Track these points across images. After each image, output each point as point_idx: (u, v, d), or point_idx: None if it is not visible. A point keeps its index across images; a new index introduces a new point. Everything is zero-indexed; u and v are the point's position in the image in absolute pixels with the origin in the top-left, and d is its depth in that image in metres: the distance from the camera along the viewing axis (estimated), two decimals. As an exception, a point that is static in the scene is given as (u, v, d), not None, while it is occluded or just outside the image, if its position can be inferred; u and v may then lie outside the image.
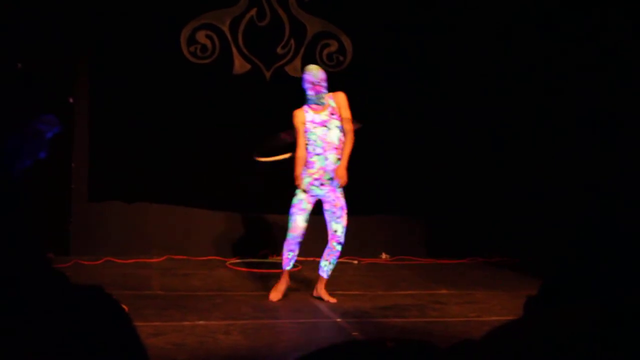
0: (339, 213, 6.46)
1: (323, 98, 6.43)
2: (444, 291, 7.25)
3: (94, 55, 8.75)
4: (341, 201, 6.46)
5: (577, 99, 8.51)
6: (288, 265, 6.58)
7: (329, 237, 6.56)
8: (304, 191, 6.44)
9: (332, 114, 6.42)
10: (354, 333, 5.49)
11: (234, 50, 9.14)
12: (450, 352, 1.48)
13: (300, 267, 8.25)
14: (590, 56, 8.35)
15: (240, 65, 9.16)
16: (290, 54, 9.29)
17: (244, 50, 9.16)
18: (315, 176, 6.41)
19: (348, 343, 1.49)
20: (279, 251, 8.98)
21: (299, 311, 6.17)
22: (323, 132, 6.39)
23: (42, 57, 7.84)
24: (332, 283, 7.59)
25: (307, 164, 6.45)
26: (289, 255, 6.54)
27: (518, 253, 9.25)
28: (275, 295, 6.53)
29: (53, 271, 1.70)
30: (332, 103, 6.46)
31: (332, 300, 6.55)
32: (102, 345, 1.60)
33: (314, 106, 6.45)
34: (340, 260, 8.97)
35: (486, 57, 9.40)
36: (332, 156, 6.39)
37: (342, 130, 6.42)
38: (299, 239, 6.50)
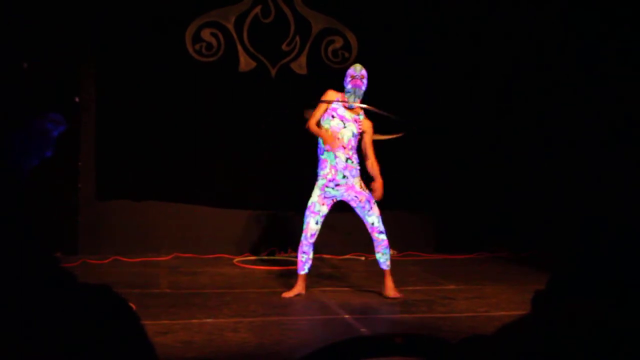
0: (367, 206, 6.44)
1: (359, 96, 6.42)
2: (452, 286, 7.24)
3: (100, 54, 8.77)
4: (365, 194, 6.44)
5: (583, 94, 8.49)
6: (302, 270, 6.52)
7: (369, 231, 6.54)
8: (320, 190, 6.41)
9: (356, 121, 6.46)
10: (362, 329, 5.49)
11: (239, 47, 9.15)
12: (459, 347, 1.47)
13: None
14: (591, 55, 8.33)
15: (245, 62, 9.17)
16: (296, 50, 9.29)
17: (249, 48, 9.17)
18: (329, 177, 6.39)
19: (356, 339, 1.49)
20: (286, 248, 9.01)
21: (307, 308, 6.17)
22: (338, 126, 6.39)
23: (48, 56, 7.85)
24: (340, 279, 7.61)
25: (318, 164, 6.47)
26: (303, 258, 6.48)
27: (526, 247, 9.25)
28: (287, 294, 6.51)
29: (61, 270, 1.70)
30: (361, 117, 6.51)
31: (395, 294, 6.49)
32: (110, 344, 1.60)
33: (345, 103, 6.44)
34: (348, 256, 9.03)
35: (490, 55, 9.40)
36: (341, 154, 6.37)
37: (356, 137, 6.43)
38: (311, 240, 6.44)
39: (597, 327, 1.22)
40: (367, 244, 8.77)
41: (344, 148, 6.38)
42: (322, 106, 6.45)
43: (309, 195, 6.48)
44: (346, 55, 9.39)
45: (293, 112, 9.04)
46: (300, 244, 6.48)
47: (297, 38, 9.29)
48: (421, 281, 7.43)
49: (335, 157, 6.38)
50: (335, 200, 6.52)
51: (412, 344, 1.45)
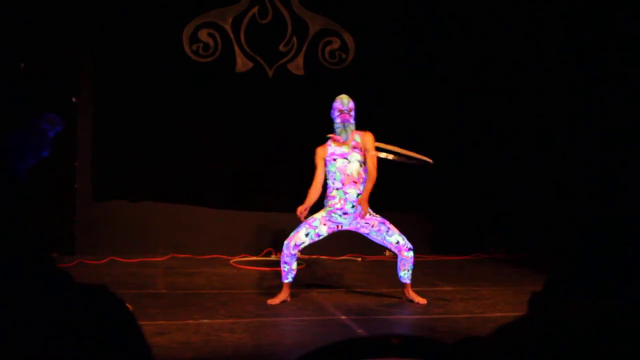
0: (384, 228, 6.31)
1: (350, 129, 6.28)
2: (448, 288, 7.25)
3: (97, 55, 8.77)
4: (376, 218, 6.31)
5: (583, 94, 8.50)
6: (286, 279, 6.32)
7: (395, 250, 6.41)
8: (325, 213, 6.28)
9: (355, 147, 6.27)
10: (358, 330, 5.48)
11: (236, 48, 9.14)
12: (455, 348, 1.47)
13: (304, 265, 8.25)
14: (591, 55, 8.34)
15: (242, 63, 9.16)
16: (293, 51, 9.29)
17: (246, 49, 9.16)
18: (337, 206, 6.25)
19: (353, 340, 1.48)
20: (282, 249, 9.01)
21: (303, 309, 6.16)
22: (343, 164, 6.25)
23: (46, 56, 7.85)
24: (337, 280, 7.61)
25: (327, 198, 6.33)
26: (285, 268, 6.28)
27: (524, 248, 9.25)
28: (272, 300, 6.32)
29: (57, 270, 1.70)
30: (357, 138, 6.32)
31: (423, 300, 6.39)
32: (107, 344, 1.60)
33: (337, 138, 6.30)
34: (344, 257, 9.03)
35: (489, 55, 9.40)
36: (351, 190, 6.22)
37: (363, 164, 6.28)
38: (294, 251, 6.24)
39: (596, 327, 1.22)
40: (363, 245, 8.78)
41: (355, 183, 6.24)
42: (319, 162, 6.36)
43: (306, 195, 6.40)
44: (343, 56, 9.39)
45: (291, 113, 9.09)
46: (282, 253, 6.28)
47: (294, 39, 9.29)
48: (418, 282, 7.42)
49: (346, 193, 6.23)
50: (339, 228, 6.38)
51: (409, 345, 1.45)
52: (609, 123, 7.95)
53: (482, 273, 8.20)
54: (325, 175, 6.37)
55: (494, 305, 6.41)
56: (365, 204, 6.20)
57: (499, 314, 6.02)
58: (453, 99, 9.46)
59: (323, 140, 6.44)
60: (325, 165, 6.35)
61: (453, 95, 9.46)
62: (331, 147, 6.35)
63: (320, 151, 6.41)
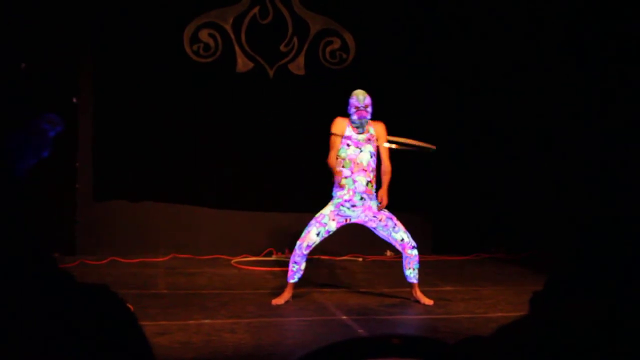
0: (391, 223, 6.33)
1: (366, 124, 6.30)
2: (449, 288, 7.25)
3: (97, 55, 8.76)
4: (384, 213, 6.32)
5: (583, 94, 8.50)
6: (292, 279, 6.33)
7: (399, 248, 6.41)
8: (334, 207, 6.27)
9: (369, 139, 6.28)
10: (359, 330, 5.49)
11: (237, 48, 9.14)
12: (457, 348, 1.47)
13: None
14: (590, 54, 8.34)
15: (243, 63, 9.16)
16: (293, 51, 9.29)
17: (247, 49, 9.16)
18: (346, 197, 6.25)
19: (354, 340, 1.48)
20: (283, 249, 9.00)
21: (304, 309, 6.17)
22: (355, 152, 6.25)
23: (46, 56, 7.85)
24: (337, 280, 7.61)
25: (336, 188, 6.31)
26: (294, 268, 6.30)
27: (524, 248, 9.25)
28: (277, 300, 6.34)
29: (59, 271, 1.70)
30: (371, 130, 6.34)
31: (429, 302, 6.40)
32: (108, 344, 1.60)
33: (355, 127, 6.31)
34: (345, 257, 9.03)
35: (489, 54, 9.40)
36: (360, 178, 6.23)
37: (374, 156, 6.31)
38: (306, 252, 6.25)
39: (596, 327, 1.22)
40: (364, 245, 8.81)
41: (365, 171, 6.24)
42: (337, 137, 6.33)
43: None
44: (344, 56, 9.39)
45: (292, 113, 9.09)
46: (293, 253, 6.31)
47: (295, 39, 9.29)
48: (419, 282, 7.43)
49: (355, 182, 6.23)
50: (348, 221, 6.37)
51: (410, 345, 1.45)
52: (609, 123, 7.94)
53: (482, 273, 8.20)
54: None
55: (495, 305, 6.41)
56: (386, 197, 6.24)
57: (500, 314, 6.03)
58: (453, 99, 9.46)
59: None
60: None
61: (453, 95, 9.46)
62: (349, 130, 6.33)
63: (340, 122, 6.35)
